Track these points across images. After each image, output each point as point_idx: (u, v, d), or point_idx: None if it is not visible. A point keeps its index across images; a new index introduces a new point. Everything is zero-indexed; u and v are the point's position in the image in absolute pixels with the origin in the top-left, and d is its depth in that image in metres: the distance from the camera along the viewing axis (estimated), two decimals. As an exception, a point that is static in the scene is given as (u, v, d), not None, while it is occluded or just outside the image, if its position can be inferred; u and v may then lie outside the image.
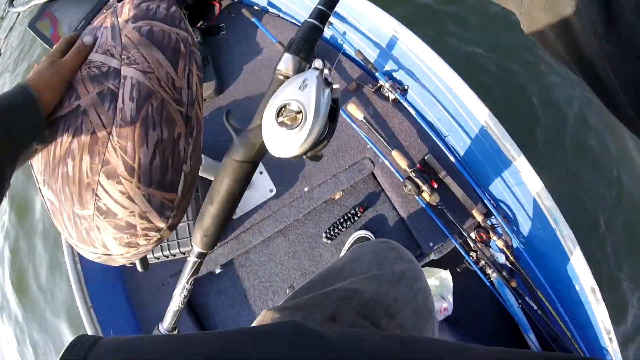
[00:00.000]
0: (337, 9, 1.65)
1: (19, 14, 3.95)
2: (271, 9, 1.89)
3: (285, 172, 1.63)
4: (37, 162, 0.68)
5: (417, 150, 1.61)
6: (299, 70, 0.58)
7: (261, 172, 1.63)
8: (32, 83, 0.64)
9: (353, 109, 1.60)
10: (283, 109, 0.51)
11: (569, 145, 2.20)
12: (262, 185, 1.61)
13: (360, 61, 1.66)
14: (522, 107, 2.28)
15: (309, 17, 0.60)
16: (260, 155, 0.61)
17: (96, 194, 0.63)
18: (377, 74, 1.61)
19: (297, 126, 0.50)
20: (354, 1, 1.55)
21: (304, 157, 0.56)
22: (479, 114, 1.38)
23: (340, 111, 1.56)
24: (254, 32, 1.83)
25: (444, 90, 1.50)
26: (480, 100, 1.38)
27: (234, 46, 1.85)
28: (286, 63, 0.58)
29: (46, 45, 1.79)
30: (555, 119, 2.25)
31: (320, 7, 0.59)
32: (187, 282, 0.68)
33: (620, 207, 2.13)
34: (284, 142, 0.51)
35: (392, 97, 1.63)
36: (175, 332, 0.72)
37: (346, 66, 1.73)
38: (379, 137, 1.57)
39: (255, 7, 1.91)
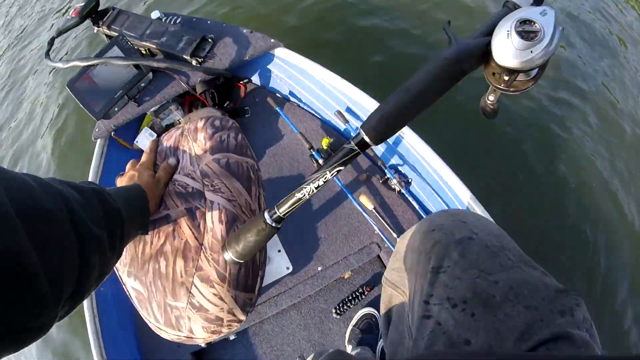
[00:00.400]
0: (355, 109, 1.89)
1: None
2: (292, 98, 2.10)
3: (302, 252, 1.82)
4: (122, 255, 0.82)
5: (417, 235, 1.83)
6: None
7: (279, 250, 1.82)
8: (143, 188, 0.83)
9: (364, 200, 1.81)
10: (524, 22, 0.54)
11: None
12: (280, 263, 1.79)
13: (371, 156, 1.89)
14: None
15: None
16: (472, 63, 0.62)
17: (190, 292, 0.79)
18: (385, 167, 1.85)
19: (534, 40, 0.53)
20: (367, 102, 1.79)
21: (504, 87, 0.61)
22: (474, 209, 1.62)
23: (353, 200, 1.78)
24: (276, 118, 2.04)
25: (442, 184, 1.74)
26: (475, 197, 1.62)
27: (257, 129, 2.05)
28: None
29: (82, 106, 1.93)
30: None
31: None
32: (330, 169, 0.67)
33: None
34: (515, 49, 0.54)
35: (397, 189, 1.86)
36: (280, 225, 0.72)
37: (358, 158, 1.95)
38: (385, 224, 1.79)
39: (278, 95, 2.12)
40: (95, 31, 2.16)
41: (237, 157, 0.94)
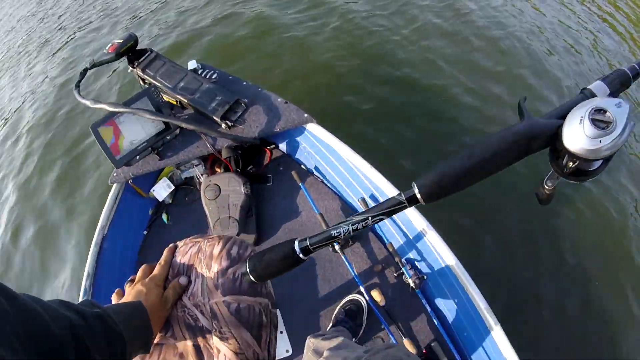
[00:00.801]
0: (380, 199, 1.85)
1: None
2: (317, 174, 2.07)
3: (303, 336, 1.77)
4: None
5: (425, 335, 1.77)
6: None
7: (281, 332, 1.76)
8: (145, 304, 0.78)
9: (376, 295, 1.76)
10: (599, 111, 0.55)
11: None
12: (280, 345, 1.74)
13: (389, 249, 1.85)
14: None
15: (624, 67, 0.65)
16: (541, 142, 0.62)
17: None
18: (401, 261, 1.80)
19: (605, 130, 0.53)
20: (393, 193, 1.74)
21: (566, 172, 0.61)
22: (486, 317, 1.57)
23: (365, 293, 1.73)
24: (297, 192, 2.01)
25: (456, 287, 1.68)
26: (488, 304, 1.57)
27: (277, 201, 2.02)
28: (598, 88, 0.63)
29: (102, 149, 1.91)
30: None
31: (636, 65, 0.64)
32: (372, 215, 0.64)
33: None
34: (585, 135, 0.55)
35: (411, 284, 1.80)
36: (307, 257, 0.70)
37: (374, 247, 1.91)
38: (393, 322, 1.73)
39: (303, 167, 2.09)
40: (129, 71, 2.15)
41: (250, 299, 0.90)
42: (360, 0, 5.10)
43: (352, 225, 0.65)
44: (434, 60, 4.21)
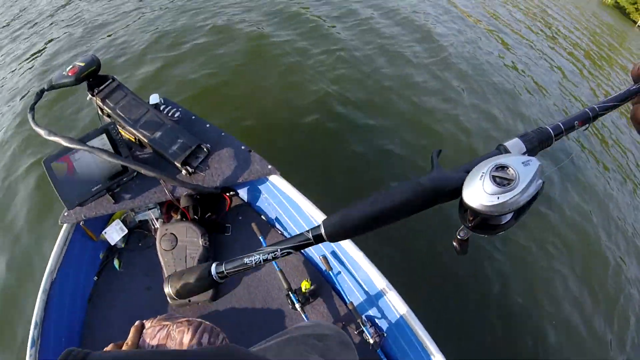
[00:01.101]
0: (342, 257, 1.83)
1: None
2: (277, 226, 2.02)
3: None
4: None
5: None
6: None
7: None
8: None
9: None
10: (502, 168, 0.56)
11: None
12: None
13: (349, 307, 1.82)
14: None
15: (547, 125, 0.66)
16: (445, 196, 0.63)
17: None
18: (361, 319, 1.78)
19: (505, 187, 0.54)
20: (355, 254, 1.73)
21: (469, 226, 0.61)
22: None
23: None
24: (257, 244, 1.95)
25: (415, 344, 1.68)
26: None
27: (235, 252, 1.96)
28: (514, 146, 0.65)
29: (52, 185, 1.79)
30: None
31: (560, 124, 0.66)
32: (281, 248, 0.67)
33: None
34: (483, 192, 0.55)
35: (371, 342, 1.78)
36: (222, 281, 0.74)
37: (335, 304, 1.88)
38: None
39: (263, 217, 2.04)
40: (88, 98, 2.04)
41: None
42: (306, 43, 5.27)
43: (263, 255, 0.69)
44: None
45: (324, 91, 4.32)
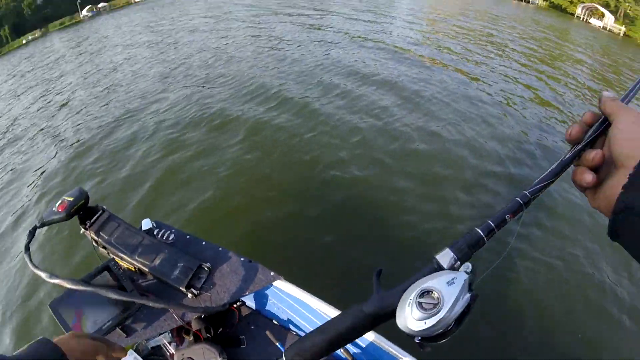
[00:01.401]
0: (361, 343, 1.86)
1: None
2: (292, 327, 2.06)
3: None
4: None
5: None
6: (452, 267, 0.65)
7: None
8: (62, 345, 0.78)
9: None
10: (426, 292, 0.59)
11: None
12: None
13: None
14: None
15: (477, 227, 0.67)
16: (384, 318, 0.68)
17: None
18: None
19: (430, 312, 0.57)
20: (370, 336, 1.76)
21: (417, 340, 0.61)
22: None
23: None
24: (275, 351, 1.97)
25: None
26: None
27: None
28: (445, 257, 0.66)
29: (62, 328, 1.79)
30: None
31: (490, 222, 0.66)
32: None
33: None
34: (412, 318, 0.59)
35: None
36: None
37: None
38: None
39: (275, 322, 2.07)
40: (81, 232, 2.08)
41: None
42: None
43: None
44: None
45: (309, 183, 4.45)
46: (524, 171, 5.21)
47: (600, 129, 0.58)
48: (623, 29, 46.47)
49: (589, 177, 0.53)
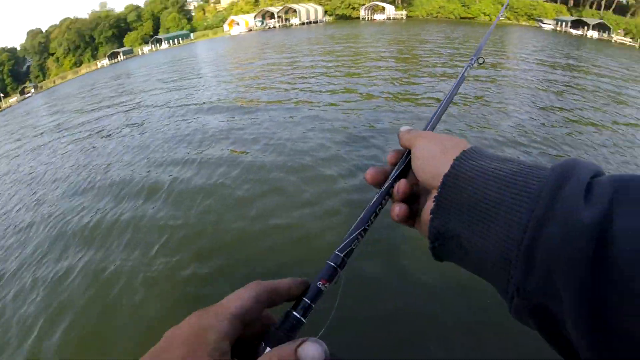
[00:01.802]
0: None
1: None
2: None
3: None
4: None
5: None
6: None
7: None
8: None
9: None
10: None
11: None
12: None
13: None
14: None
15: (291, 309, 0.54)
16: None
17: None
18: None
19: None
20: None
21: None
22: None
23: None
24: None
25: None
26: None
27: None
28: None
29: None
30: None
31: (305, 299, 0.54)
32: None
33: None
34: None
35: None
36: None
37: None
38: None
39: None
40: None
41: None
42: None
43: None
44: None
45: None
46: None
47: (404, 163, 0.55)
48: (404, 12, 54.00)
49: (397, 209, 0.51)
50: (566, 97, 10.85)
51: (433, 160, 0.46)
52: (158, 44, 53.95)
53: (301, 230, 4.48)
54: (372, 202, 0.55)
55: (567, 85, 12.51)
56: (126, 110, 12.07)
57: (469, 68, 0.88)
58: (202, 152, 7.03)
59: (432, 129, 0.60)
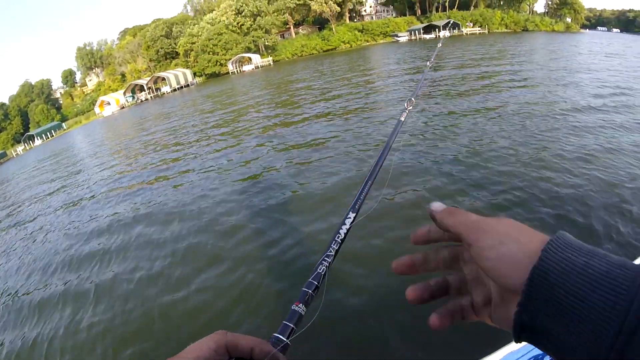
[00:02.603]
0: None
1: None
2: None
3: None
4: None
5: None
6: None
7: None
8: None
9: None
10: None
11: None
12: None
13: None
14: None
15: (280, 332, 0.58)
16: None
17: None
18: None
19: None
20: None
21: None
22: None
23: None
24: None
25: None
26: None
27: None
28: None
29: None
30: None
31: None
32: None
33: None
34: None
35: None
36: None
37: None
38: None
39: None
40: None
41: None
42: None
43: None
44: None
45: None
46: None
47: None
48: (270, 59, 56.51)
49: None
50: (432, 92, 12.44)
51: (510, 256, 0.44)
52: (31, 142, 49.62)
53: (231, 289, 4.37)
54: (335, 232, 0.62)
55: (433, 82, 14.50)
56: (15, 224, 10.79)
57: (404, 113, 0.97)
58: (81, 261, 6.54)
59: (373, 180, 0.66)
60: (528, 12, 67.09)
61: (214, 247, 5.38)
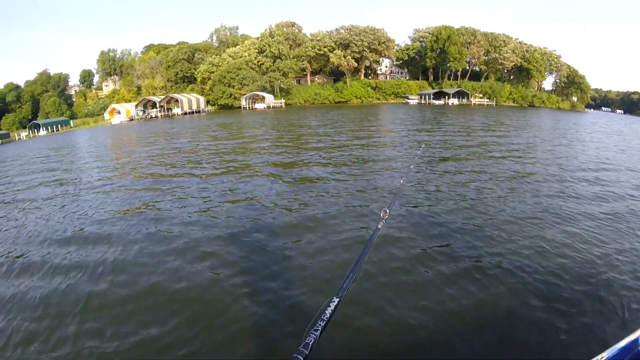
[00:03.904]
0: None
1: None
2: None
3: None
4: None
5: None
6: None
7: None
8: None
9: None
10: None
11: None
12: None
13: None
14: None
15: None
16: None
17: None
18: None
19: None
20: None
21: None
22: None
23: None
24: None
25: None
26: None
27: None
28: None
29: None
30: None
31: None
32: None
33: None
34: None
35: None
36: None
37: None
38: None
39: None
40: None
41: None
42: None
43: None
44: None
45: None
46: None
47: None
48: (283, 101, 57.68)
49: None
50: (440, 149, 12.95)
51: None
52: (36, 130, 49.05)
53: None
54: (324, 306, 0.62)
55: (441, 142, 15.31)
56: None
57: (381, 222, 1.12)
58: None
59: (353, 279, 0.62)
60: (536, 88, 69.14)
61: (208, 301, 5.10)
